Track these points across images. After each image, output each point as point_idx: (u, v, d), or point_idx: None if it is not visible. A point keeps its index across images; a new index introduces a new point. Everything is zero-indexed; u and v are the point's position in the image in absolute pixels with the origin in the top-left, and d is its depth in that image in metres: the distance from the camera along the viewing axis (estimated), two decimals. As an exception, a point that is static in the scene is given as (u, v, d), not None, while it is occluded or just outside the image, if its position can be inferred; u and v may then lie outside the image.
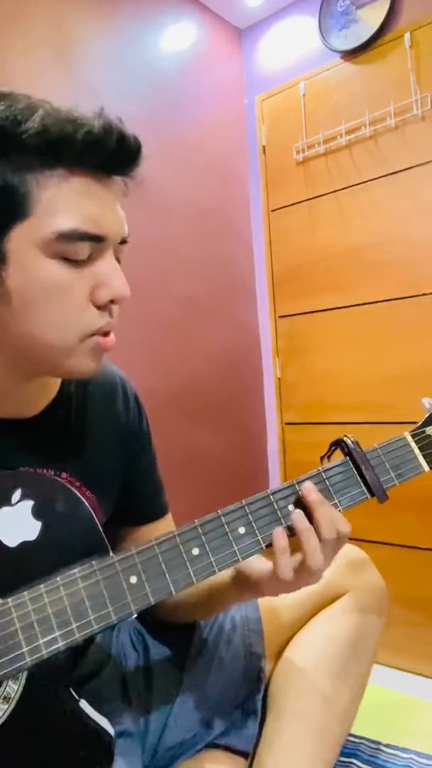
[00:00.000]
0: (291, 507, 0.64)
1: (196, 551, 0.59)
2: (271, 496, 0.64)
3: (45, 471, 0.67)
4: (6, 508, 0.58)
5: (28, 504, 0.59)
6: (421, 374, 1.68)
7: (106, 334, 0.62)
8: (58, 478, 0.65)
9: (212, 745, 0.80)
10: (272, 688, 0.84)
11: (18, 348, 0.60)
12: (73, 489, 0.62)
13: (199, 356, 1.87)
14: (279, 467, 2.06)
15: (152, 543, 0.59)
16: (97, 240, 0.58)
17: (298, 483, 0.65)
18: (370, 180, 1.81)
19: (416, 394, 0.76)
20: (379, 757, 1.21)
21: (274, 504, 0.63)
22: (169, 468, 0.87)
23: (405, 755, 1.21)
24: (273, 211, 2.04)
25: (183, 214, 1.84)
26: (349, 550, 0.90)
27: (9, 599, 0.54)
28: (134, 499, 0.81)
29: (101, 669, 0.81)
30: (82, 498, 0.62)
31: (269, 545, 0.62)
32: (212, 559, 0.60)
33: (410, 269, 1.73)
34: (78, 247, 0.57)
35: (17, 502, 0.59)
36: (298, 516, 0.63)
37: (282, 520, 0.63)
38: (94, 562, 0.57)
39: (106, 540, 0.63)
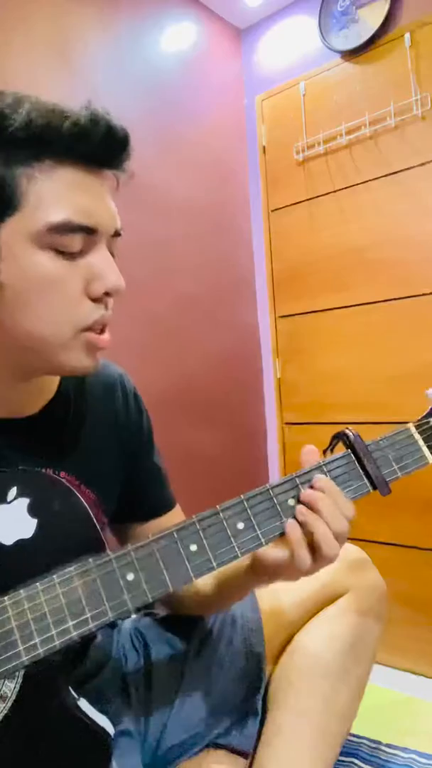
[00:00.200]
0: (291, 501, 0.63)
1: (194, 547, 0.59)
2: (271, 491, 0.63)
3: (43, 470, 0.67)
4: (1, 506, 0.58)
5: (24, 502, 0.59)
6: (422, 374, 1.68)
7: (102, 330, 0.62)
8: (56, 476, 0.65)
9: (212, 745, 0.80)
10: (272, 688, 0.84)
11: (14, 345, 0.60)
12: (71, 487, 0.62)
13: (199, 356, 1.87)
14: (279, 467, 2.05)
15: (149, 539, 0.58)
16: (89, 231, 0.58)
17: (298, 477, 0.64)
18: (370, 180, 1.81)
19: (416, 394, 0.76)
20: (379, 756, 1.21)
21: (274, 498, 0.63)
22: (168, 468, 0.87)
23: (405, 755, 1.21)
24: (273, 211, 2.04)
25: (183, 214, 1.84)
26: (349, 550, 0.89)
27: (5, 597, 0.54)
28: (139, 495, 0.81)
29: (101, 669, 0.81)
30: (79, 496, 0.62)
31: (268, 540, 0.62)
32: (211, 555, 0.59)
33: (410, 269, 1.73)
34: (70, 239, 0.57)
35: (13, 500, 0.58)
36: (301, 508, 0.62)
37: (282, 515, 0.62)
38: (90, 560, 0.56)
39: (103, 537, 0.62)
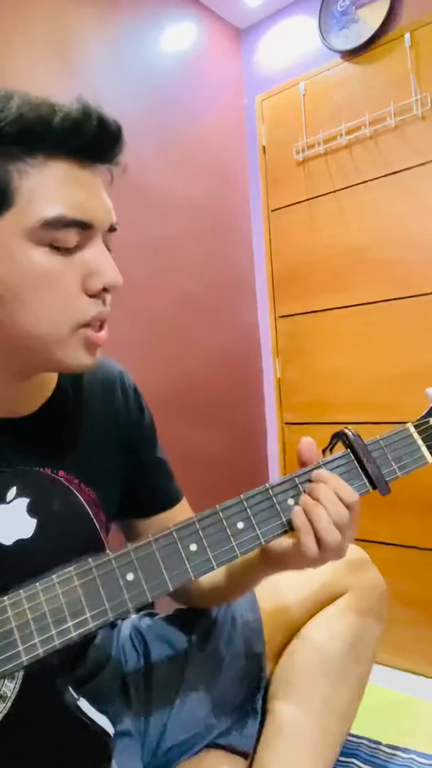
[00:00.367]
0: (290, 501, 0.63)
1: (193, 547, 0.59)
2: (270, 491, 0.63)
3: (42, 469, 0.66)
4: (1, 506, 0.58)
5: (24, 502, 0.58)
6: (422, 374, 1.68)
7: (100, 327, 0.62)
8: (55, 476, 0.65)
9: (212, 745, 0.80)
10: (272, 687, 0.84)
11: (11, 343, 0.60)
12: (70, 486, 0.62)
13: (198, 356, 1.86)
14: (279, 467, 2.05)
15: (149, 539, 0.58)
16: (84, 226, 0.58)
17: (298, 477, 0.64)
18: (370, 180, 1.81)
19: (416, 394, 0.76)
20: (379, 757, 1.21)
21: (273, 498, 0.63)
22: (168, 468, 0.87)
23: (405, 755, 1.21)
24: (273, 210, 2.04)
25: (183, 213, 1.84)
26: (349, 550, 0.89)
27: (5, 597, 0.54)
28: (145, 490, 0.81)
29: (101, 669, 0.81)
30: (79, 495, 0.61)
31: (268, 540, 0.62)
32: (210, 555, 0.59)
33: (410, 269, 1.73)
34: (65, 235, 0.57)
35: (12, 500, 0.58)
36: (304, 496, 0.63)
37: (281, 515, 0.62)
38: (90, 560, 0.56)
39: (102, 537, 0.62)
